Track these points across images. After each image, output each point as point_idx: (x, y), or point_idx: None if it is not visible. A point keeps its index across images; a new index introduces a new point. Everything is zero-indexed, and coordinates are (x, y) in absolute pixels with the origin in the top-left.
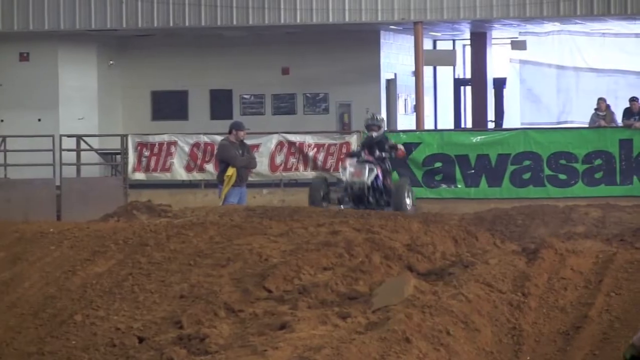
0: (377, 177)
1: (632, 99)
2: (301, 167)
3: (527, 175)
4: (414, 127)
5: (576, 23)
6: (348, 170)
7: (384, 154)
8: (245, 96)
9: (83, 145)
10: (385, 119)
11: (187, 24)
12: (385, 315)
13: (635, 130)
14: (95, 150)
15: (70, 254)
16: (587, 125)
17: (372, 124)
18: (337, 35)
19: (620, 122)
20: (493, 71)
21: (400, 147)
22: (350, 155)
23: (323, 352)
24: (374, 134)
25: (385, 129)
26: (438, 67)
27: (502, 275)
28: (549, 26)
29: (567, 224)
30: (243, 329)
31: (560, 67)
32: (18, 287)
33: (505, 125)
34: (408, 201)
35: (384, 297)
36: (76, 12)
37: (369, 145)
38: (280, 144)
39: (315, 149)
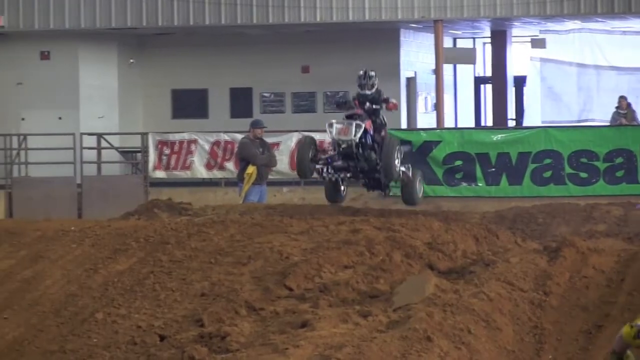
0: (366, 132)
1: None
2: None
3: (548, 174)
4: (434, 125)
5: (597, 21)
6: (335, 128)
7: (374, 106)
8: (265, 94)
9: (103, 144)
10: (375, 76)
11: (207, 22)
12: (406, 313)
13: None
14: (116, 149)
15: (91, 252)
16: (608, 124)
17: (364, 83)
18: (357, 34)
19: None
20: (513, 69)
21: (393, 100)
22: (338, 104)
23: (344, 351)
24: (367, 92)
25: (378, 87)
26: (458, 66)
27: (523, 274)
28: (570, 24)
29: (588, 223)
30: (264, 327)
31: (581, 65)
32: (39, 285)
33: (525, 124)
34: (397, 162)
35: (405, 296)
36: (96, 11)
37: (360, 99)
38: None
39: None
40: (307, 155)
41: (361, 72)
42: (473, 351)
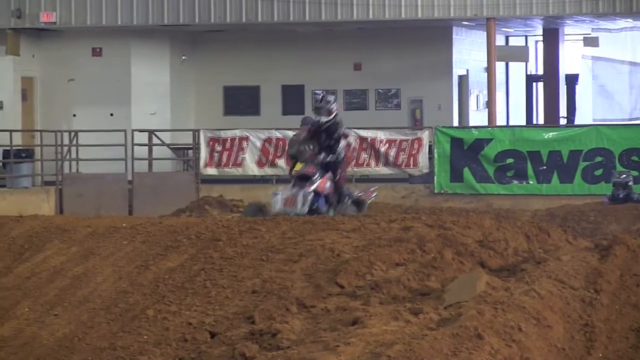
0: (318, 197)
1: None
2: (373, 163)
3: (599, 172)
4: (486, 123)
5: None
6: (279, 199)
7: (331, 141)
8: (317, 92)
9: (155, 140)
10: (334, 101)
11: (259, 19)
12: (457, 311)
13: None
14: (167, 145)
15: (142, 248)
16: None
17: (320, 106)
18: (410, 31)
19: None
20: (565, 67)
21: (350, 140)
22: (291, 145)
23: (395, 348)
24: (323, 119)
25: (337, 114)
26: (510, 63)
27: (574, 272)
28: (622, 22)
29: (639, 221)
30: (315, 324)
31: (633, 64)
32: (90, 282)
33: (577, 122)
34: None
35: (456, 293)
36: (149, 8)
37: (315, 132)
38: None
39: (387, 145)
40: None
41: (318, 96)
42: (523, 349)
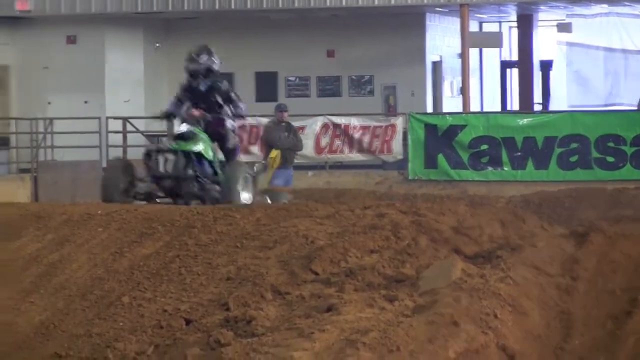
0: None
1: None
2: (346, 150)
3: (574, 158)
4: (460, 110)
5: (624, 5)
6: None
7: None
8: (291, 78)
9: (129, 127)
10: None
11: (232, 6)
12: (433, 298)
13: None
14: (141, 132)
15: (117, 235)
16: (635, 108)
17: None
18: (383, 18)
19: None
20: (540, 53)
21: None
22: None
23: (370, 335)
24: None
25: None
26: (484, 50)
27: (550, 259)
28: (597, 8)
29: (615, 207)
30: (290, 311)
31: (608, 50)
32: (66, 269)
33: (551, 108)
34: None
35: (431, 280)
36: None
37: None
38: (325, 126)
39: (361, 131)
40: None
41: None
42: (500, 336)
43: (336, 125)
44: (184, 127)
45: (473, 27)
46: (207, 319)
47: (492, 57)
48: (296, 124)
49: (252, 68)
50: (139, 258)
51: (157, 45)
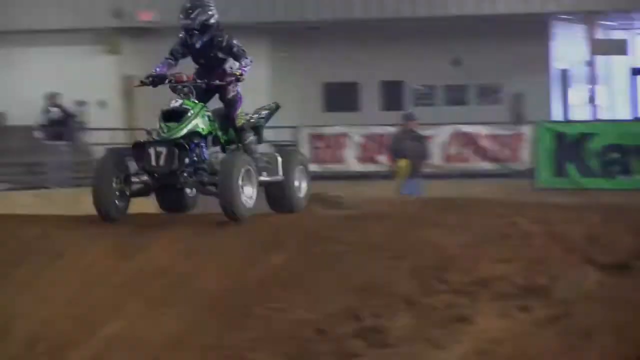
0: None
1: None
2: (475, 159)
3: None
4: (589, 118)
5: None
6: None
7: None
8: (417, 87)
9: None
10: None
11: (356, 15)
12: (566, 309)
13: None
14: (269, 142)
15: (247, 246)
16: None
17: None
18: (509, 26)
19: None
20: None
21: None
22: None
23: (504, 345)
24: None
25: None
26: (613, 57)
27: None
28: None
29: None
30: (422, 321)
31: None
32: (196, 280)
33: None
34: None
35: (564, 291)
36: (249, 5)
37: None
38: (453, 135)
39: (489, 140)
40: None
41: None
42: (636, 347)
43: (464, 134)
44: (174, 103)
45: (601, 35)
46: (339, 329)
47: (621, 65)
48: (425, 133)
49: (377, 77)
50: (269, 268)
51: (284, 54)
